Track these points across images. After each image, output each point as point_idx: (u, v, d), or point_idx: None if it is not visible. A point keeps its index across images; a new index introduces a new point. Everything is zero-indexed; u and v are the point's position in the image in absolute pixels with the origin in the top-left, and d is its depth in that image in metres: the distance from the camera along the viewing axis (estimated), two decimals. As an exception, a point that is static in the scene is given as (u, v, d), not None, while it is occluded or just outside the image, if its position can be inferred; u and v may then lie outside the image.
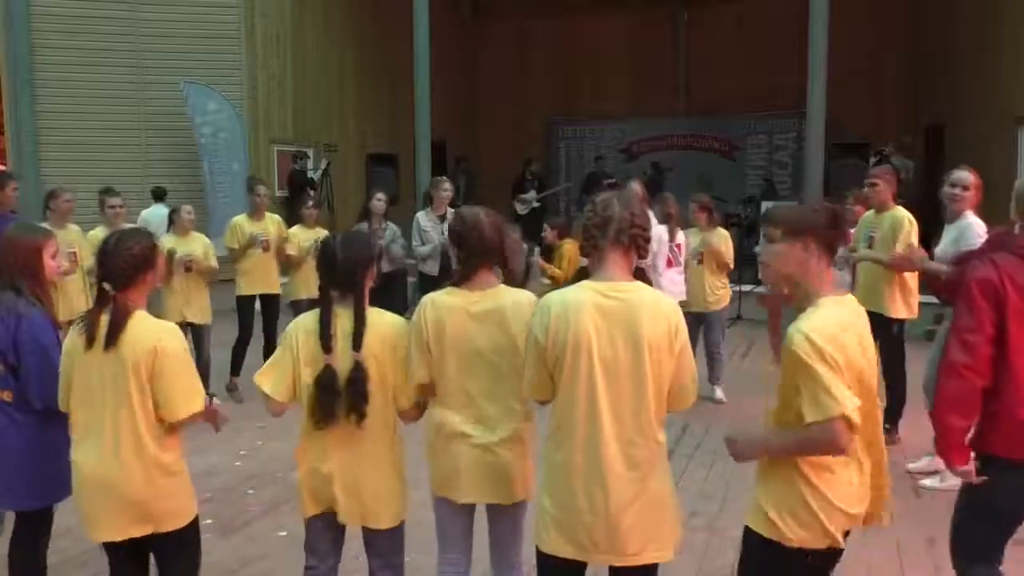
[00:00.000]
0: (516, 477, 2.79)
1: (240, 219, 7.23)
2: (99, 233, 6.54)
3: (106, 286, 2.75)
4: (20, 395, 3.05)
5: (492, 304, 2.75)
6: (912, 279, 5.45)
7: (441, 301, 2.79)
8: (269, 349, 7.36)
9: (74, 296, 6.21)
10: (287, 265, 7.39)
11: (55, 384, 2.96)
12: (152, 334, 2.73)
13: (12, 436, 3.07)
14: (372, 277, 2.86)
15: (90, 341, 2.72)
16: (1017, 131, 10.16)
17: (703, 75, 16.71)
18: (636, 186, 6.44)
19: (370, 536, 2.92)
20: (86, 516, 2.82)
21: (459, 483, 2.81)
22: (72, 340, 2.79)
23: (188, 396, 2.76)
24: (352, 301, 2.78)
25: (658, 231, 6.82)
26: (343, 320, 2.77)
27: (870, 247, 5.55)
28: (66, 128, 11.17)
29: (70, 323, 3.09)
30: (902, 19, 15.20)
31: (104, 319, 2.72)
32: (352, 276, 2.79)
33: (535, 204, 13.70)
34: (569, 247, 7.21)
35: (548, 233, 7.47)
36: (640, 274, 2.50)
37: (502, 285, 2.81)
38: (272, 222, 7.31)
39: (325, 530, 2.91)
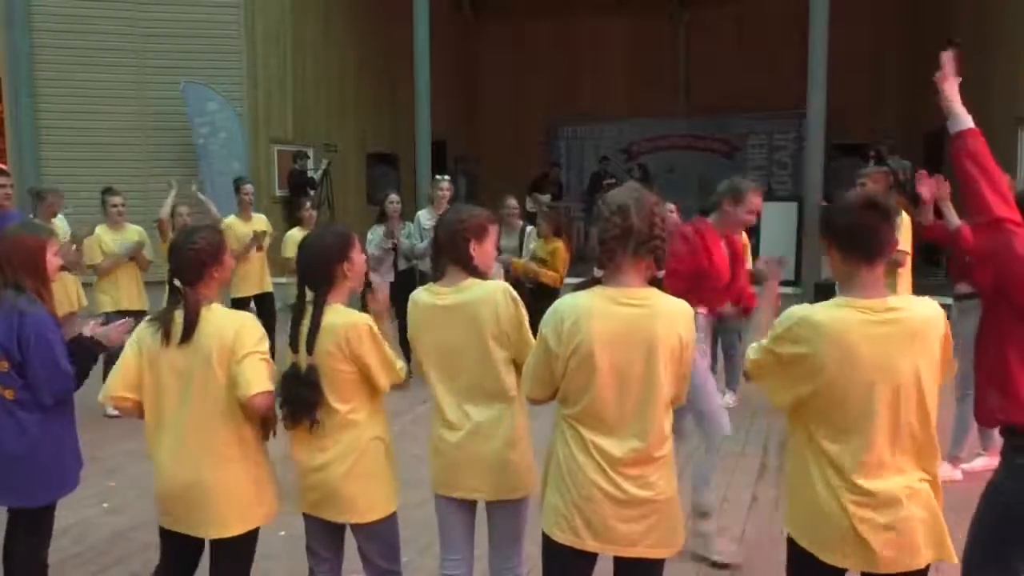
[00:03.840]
0: (505, 472, 2.79)
1: (231, 221, 7.25)
2: (101, 232, 6.57)
3: (176, 282, 2.76)
4: (23, 393, 3.06)
5: (459, 298, 2.76)
6: (907, 279, 5.43)
7: (418, 297, 2.88)
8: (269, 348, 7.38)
9: (59, 291, 6.25)
10: (285, 267, 7.41)
11: (63, 379, 2.98)
12: (233, 323, 2.73)
13: (14, 434, 3.07)
14: (345, 275, 2.81)
15: (167, 337, 2.71)
16: (1017, 131, 10.17)
17: (703, 75, 16.72)
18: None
19: (358, 539, 2.90)
20: (162, 509, 2.82)
21: (448, 477, 2.84)
22: (143, 336, 2.78)
23: (261, 376, 2.71)
24: (314, 301, 2.77)
25: None
26: (307, 318, 2.77)
27: None
28: (66, 128, 11.17)
29: (65, 318, 3.10)
30: (902, 19, 15.21)
31: (178, 315, 2.71)
32: (313, 275, 2.79)
33: (545, 209, 13.87)
34: (562, 245, 7.31)
35: (544, 227, 7.52)
36: (655, 282, 2.46)
37: (472, 279, 2.80)
38: (260, 222, 7.33)
39: (320, 531, 2.92)
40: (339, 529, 2.93)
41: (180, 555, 2.90)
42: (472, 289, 2.77)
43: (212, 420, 2.71)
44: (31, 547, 3.20)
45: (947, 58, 2.66)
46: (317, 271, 2.78)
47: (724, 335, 6.77)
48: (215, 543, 2.81)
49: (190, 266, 2.75)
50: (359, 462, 2.80)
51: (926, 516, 2.24)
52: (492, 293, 2.74)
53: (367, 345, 2.74)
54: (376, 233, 7.47)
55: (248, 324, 2.76)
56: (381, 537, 2.88)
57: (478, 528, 2.98)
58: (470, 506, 2.91)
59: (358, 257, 2.86)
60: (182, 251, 2.76)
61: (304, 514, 2.93)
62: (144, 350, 2.76)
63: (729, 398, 6.76)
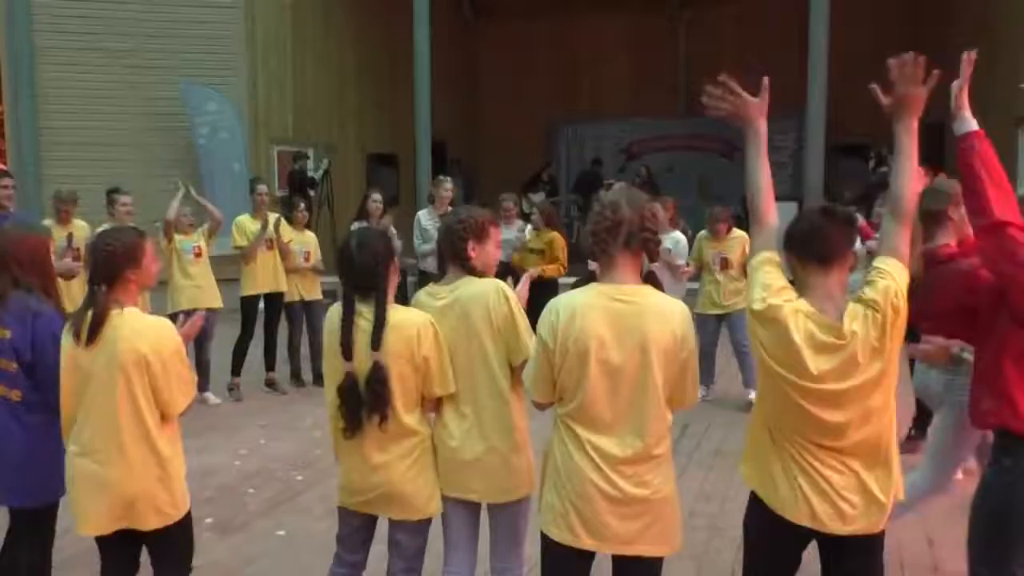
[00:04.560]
0: (503, 473, 2.79)
1: (243, 218, 7.27)
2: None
3: (93, 283, 2.77)
4: (30, 394, 3.05)
5: (453, 297, 2.80)
6: None
7: (419, 299, 2.93)
8: (269, 348, 7.38)
9: (76, 292, 6.25)
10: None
11: None
12: (148, 331, 2.73)
13: (18, 437, 3.07)
14: (394, 273, 2.84)
15: (77, 337, 2.75)
16: (1017, 131, 10.17)
17: (703, 75, 16.59)
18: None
19: (395, 535, 2.91)
20: (77, 509, 2.83)
21: (449, 477, 2.86)
22: (65, 337, 2.81)
23: (186, 389, 2.81)
24: (373, 300, 2.74)
25: (677, 236, 6.85)
26: (364, 319, 2.74)
27: None
28: (66, 128, 11.16)
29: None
30: (902, 19, 15.20)
31: (90, 316, 2.73)
32: (372, 276, 2.76)
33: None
34: (557, 235, 7.39)
35: (538, 218, 7.57)
36: (651, 277, 2.48)
37: (468, 276, 2.83)
38: (272, 220, 7.33)
39: (360, 525, 2.93)
40: (374, 521, 2.95)
41: (117, 561, 2.92)
42: (465, 287, 2.80)
43: (118, 420, 2.71)
44: (33, 547, 3.20)
45: (967, 61, 2.65)
46: (376, 273, 2.76)
47: (734, 333, 6.77)
48: (145, 541, 2.86)
49: (102, 268, 2.75)
50: (418, 460, 2.82)
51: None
52: (484, 290, 2.77)
53: (434, 345, 2.75)
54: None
55: (165, 334, 2.77)
56: (421, 534, 2.91)
57: (481, 528, 2.98)
58: (473, 506, 2.92)
59: (393, 263, 2.90)
60: (96, 252, 2.77)
61: (342, 508, 2.94)
62: (66, 352, 2.79)
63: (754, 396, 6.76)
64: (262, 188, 7.44)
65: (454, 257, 2.84)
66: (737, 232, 6.90)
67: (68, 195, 6.78)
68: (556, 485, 2.46)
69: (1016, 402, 2.52)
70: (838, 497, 2.35)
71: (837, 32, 10.07)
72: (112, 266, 2.75)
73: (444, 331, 2.79)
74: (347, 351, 2.72)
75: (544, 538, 2.50)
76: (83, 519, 2.82)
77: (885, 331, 2.27)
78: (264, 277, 7.22)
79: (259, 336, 7.29)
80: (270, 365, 7.42)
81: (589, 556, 2.49)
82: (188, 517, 2.91)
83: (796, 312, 2.30)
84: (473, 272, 2.83)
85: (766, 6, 15.26)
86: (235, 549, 4.25)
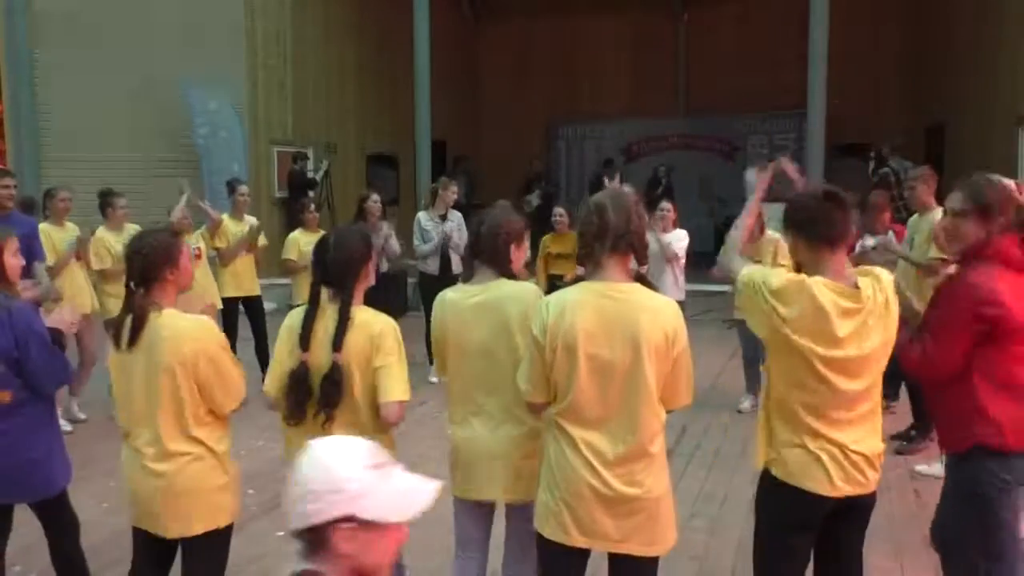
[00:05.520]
0: (524, 473, 2.78)
1: (223, 219, 7.25)
2: (104, 235, 6.53)
3: (131, 285, 2.76)
4: (21, 393, 3.06)
5: (489, 296, 2.80)
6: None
7: (446, 296, 2.92)
8: (261, 350, 7.36)
9: (76, 293, 6.22)
10: (289, 270, 7.41)
11: (61, 365, 3.03)
12: (190, 333, 2.73)
13: (13, 437, 3.07)
14: (367, 276, 2.82)
15: (116, 341, 2.75)
16: (1017, 131, 10.16)
17: (703, 75, 16.70)
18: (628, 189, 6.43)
19: None
20: (133, 509, 2.85)
21: (469, 479, 2.85)
22: (111, 343, 2.83)
23: (237, 388, 2.81)
24: (339, 300, 2.74)
25: (681, 234, 6.82)
26: (329, 319, 2.73)
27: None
28: (66, 127, 11.16)
29: (84, 319, 3.11)
30: (902, 19, 15.20)
31: (129, 320, 2.73)
32: (342, 274, 2.75)
33: (537, 203, 13.81)
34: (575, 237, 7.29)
35: (562, 218, 7.50)
36: (641, 278, 2.49)
37: (502, 279, 2.84)
38: (255, 225, 7.33)
39: None
40: None
41: (149, 553, 2.92)
42: (503, 287, 2.81)
43: (166, 422, 2.71)
44: (64, 533, 3.26)
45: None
46: (348, 270, 2.75)
47: (745, 343, 6.70)
48: (183, 544, 2.83)
49: (141, 270, 2.75)
50: None
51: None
52: (523, 292, 2.79)
53: (397, 348, 2.75)
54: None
55: (209, 333, 2.77)
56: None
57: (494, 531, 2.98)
58: (487, 506, 2.92)
59: (367, 265, 2.88)
60: (134, 255, 2.77)
61: None
62: (112, 357, 2.81)
63: (748, 403, 6.73)
64: (243, 189, 7.43)
65: (494, 260, 2.84)
66: (769, 234, 6.59)
67: (62, 185, 6.75)
68: (550, 484, 2.47)
69: (989, 416, 2.64)
70: (848, 463, 2.49)
71: (837, 32, 10.06)
72: (151, 267, 2.75)
73: (476, 329, 2.79)
74: (304, 341, 2.71)
75: (539, 536, 2.52)
76: (137, 517, 2.86)
77: (888, 297, 2.50)
78: (243, 280, 7.20)
79: (250, 339, 7.28)
80: (264, 366, 7.40)
81: (584, 554, 2.50)
82: (231, 528, 2.90)
83: (815, 282, 2.43)
84: (509, 275, 2.85)
85: (766, 6, 15.25)
86: (235, 549, 4.20)
